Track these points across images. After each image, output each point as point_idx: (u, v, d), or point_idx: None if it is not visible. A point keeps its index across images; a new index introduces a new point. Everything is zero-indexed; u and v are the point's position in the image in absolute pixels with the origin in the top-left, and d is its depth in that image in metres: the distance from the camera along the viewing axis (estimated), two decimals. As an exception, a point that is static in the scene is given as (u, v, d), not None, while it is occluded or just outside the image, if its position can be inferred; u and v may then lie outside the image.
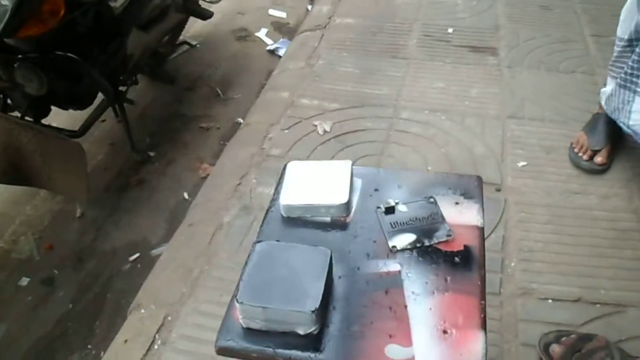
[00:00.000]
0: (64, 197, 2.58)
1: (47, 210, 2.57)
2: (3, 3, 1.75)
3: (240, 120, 2.87)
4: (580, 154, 2.23)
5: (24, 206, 2.58)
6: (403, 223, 1.08)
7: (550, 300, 1.80)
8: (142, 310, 1.88)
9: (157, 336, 1.79)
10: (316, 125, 2.53)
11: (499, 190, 2.16)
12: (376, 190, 1.17)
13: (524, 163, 2.27)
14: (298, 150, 2.41)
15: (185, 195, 2.59)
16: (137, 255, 2.35)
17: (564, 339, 1.63)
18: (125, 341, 1.80)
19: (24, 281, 2.27)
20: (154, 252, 2.33)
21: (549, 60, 2.86)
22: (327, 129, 2.50)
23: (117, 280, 2.26)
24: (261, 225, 1.11)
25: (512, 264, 1.91)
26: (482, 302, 0.96)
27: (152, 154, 2.83)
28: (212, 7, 3.30)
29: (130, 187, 2.67)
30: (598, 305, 1.78)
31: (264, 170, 2.33)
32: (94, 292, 2.23)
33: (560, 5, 3.30)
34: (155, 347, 1.77)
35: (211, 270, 1.97)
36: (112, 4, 2.43)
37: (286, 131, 2.53)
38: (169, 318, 1.84)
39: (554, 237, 1.98)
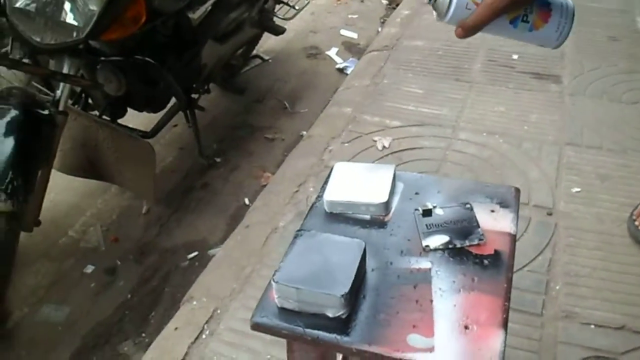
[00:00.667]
0: (132, 194, 2.72)
1: (116, 205, 2.71)
2: (91, 8, 1.90)
3: (305, 133, 2.97)
4: None
5: (95, 199, 2.74)
6: (438, 225, 1.14)
7: (592, 326, 1.79)
8: (194, 302, 1.98)
9: (205, 327, 1.89)
10: (376, 141, 2.60)
11: (550, 214, 2.17)
12: (416, 193, 1.23)
13: (578, 189, 2.27)
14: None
15: (246, 200, 2.69)
16: (195, 253, 2.45)
17: (602, 365, 1.63)
18: (176, 329, 1.90)
19: (89, 269, 2.41)
20: (211, 252, 2.42)
21: (612, 90, 2.84)
22: (386, 145, 2.57)
23: (174, 276, 2.37)
24: (305, 218, 1.19)
25: (557, 287, 1.91)
26: (506, 303, 0.99)
27: (218, 159, 2.96)
28: (286, 25, 3.43)
29: (194, 190, 2.79)
30: (642, 335, 1.77)
31: (322, 180, 2.38)
32: (152, 285, 2.34)
33: (629, 36, 3.28)
34: (203, 336, 1.86)
35: (262, 269, 2.06)
36: (190, 16, 2.56)
37: (346, 144, 2.61)
38: (219, 311, 1.93)
39: (602, 264, 1.97)
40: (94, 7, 1.89)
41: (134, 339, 2.14)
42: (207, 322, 1.90)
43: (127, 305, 2.26)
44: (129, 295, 2.30)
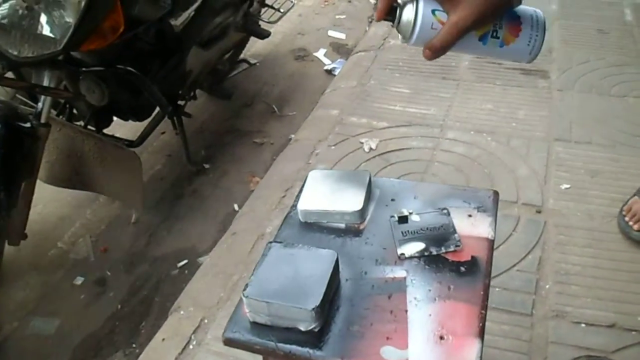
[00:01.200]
0: (121, 203, 2.70)
1: (105, 215, 2.70)
2: (67, 20, 1.88)
3: (293, 136, 2.95)
4: (631, 223, 2.05)
5: (84, 210, 2.72)
6: (414, 232, 1.12)
7: (583, 325, 1.78)
8: (182, 312, 1.97)
9: (192, 337, 1.88)
10: (362, 143, 2.58)
11: (539, 212, 2.16)
12: (393, 200, 1.21)
13: (567, 186, 2.26)
14: (343, 166, 2.46)
15: (236, 206, 2.67)
16: (185, 261, 2.44)
17: (594, 364, 1.61)
18: (163, 340, 1.89)
19: (79, 280, 2.39)
20: (201, 259, 2.40)
21: (600, 84, 2.83)
22: (373, 147, 2.55)
23: (165, 285, 2.35)
24: (279, 229, 1.17)
25: (547, 286, 1.90)
26: (483, 311, 0.98)
27: (206, 166, 2.94)
28: (274, 27, 3.41)
29: (184, 197, 2.78)
30: (633, 333, 1.75)
31: (308, 185, 2.39)
32: (142, 295, 2.32)
33: (618, 29, 3.27)
34: (190, 347, 1.85)
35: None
36: (173, 22, 2.54)
37: (333, 147, 2.60)
38: (206, 320, 1.92)
39: (592, 261, 1.96)
40: (70, 19, 1.86)
41: (124, 350, 2.13)
42: (194, 332, 1.89)
43: (117, 316, 2.25)
44: (120, 306, 2.28)
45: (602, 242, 2.03)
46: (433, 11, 0.84)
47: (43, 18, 1.87)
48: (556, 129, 2.57)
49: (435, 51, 0.86)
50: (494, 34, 0.87)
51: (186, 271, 2.39)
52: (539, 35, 0.88)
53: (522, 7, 0.88)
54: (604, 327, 1.77)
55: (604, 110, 2.65)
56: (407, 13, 0.86)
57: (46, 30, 1.88)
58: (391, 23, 0.88)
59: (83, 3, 1.84)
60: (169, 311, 2.09)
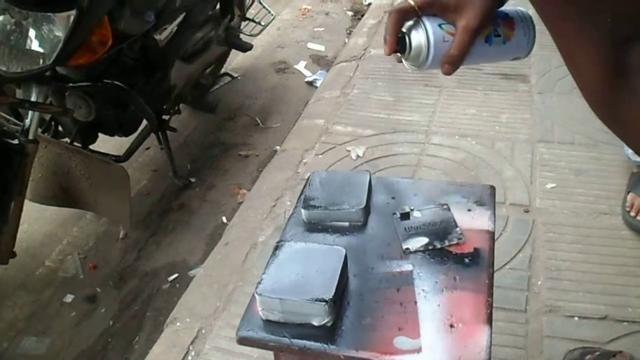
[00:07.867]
0: (108, 219, 2.69)
1: (93, 232, 2.68)
2: (56, 34, 1.89)
3: (278, 148, 2.96)
4: (639, 218, 2.07)
5: (71, 227, 2.70)
6: (417, 227, 1.14)
7: (576, 318, 1.81)
8: (178, 324, 1.96)
9: (191, 347, 1.86)
10: (349, 151, 2.60)
11: (527, 211, 2.19)
12: (393, 198, 1.24)
13: (553, 185, 2.30)
14: (331, 174, 2.47)
15: (224, 219, 2.67)
16: (176, 275, 2.43)
17: (588, 356, 1.63)
18: (161, 352, 1.88)
19: (69, 298, 2.37)
20: (192, 272, 2.40)
21: (579, 86, 2.89)
22: (360, 154, 2.58)
23: (156, 299, 2.34)
24: (284, 229, 1.19)
25: (539, 282, 1.92)
26: (489, 299, 1.00)
27: (193, 179, 2.94)
28: (253, 41, 3.44)
29: (171, 211, 2.77)
30: (625, 323, 1.78)
31: (298, 193, 2.39)
32: (134, 310, 2.30)
33: (594, 33, 3.35)
34: (189, 357, 1.84)
35: (245, 286, 2.04)
36: (157, 37, 2.55)
37: (320, 156, 2.62)
38: (203, 331, 1.92)
39: (582, 257, 2.00)
40: (59, 33, 1.87)
41: (119, 365, 2.12)
42: (192, 342, 1.88)
43: (109, 332, 2.23)
44: (111, 322, 2.27)
45: (589, 238, 2.07)
46: (440, 25, 0.88)
47: (32, 33, 1.86)
48: (539, 131, 2.61)
49: (454, 60, 0.88)
50: (496, 32, 0.91)
51: (177, 285, 2.38)
52: (530, 26, 0.94)
53: (506, 8, 0.94)
54: (597, 320, 1.80)
55: (584, 110, 2.63)
56: (417, 36, 0.88)
57: (35, 45, 1.88)
58: (400, 54, 0.91)
59: (72, 17, 1.84)
60: (161, 325, 2.08)
